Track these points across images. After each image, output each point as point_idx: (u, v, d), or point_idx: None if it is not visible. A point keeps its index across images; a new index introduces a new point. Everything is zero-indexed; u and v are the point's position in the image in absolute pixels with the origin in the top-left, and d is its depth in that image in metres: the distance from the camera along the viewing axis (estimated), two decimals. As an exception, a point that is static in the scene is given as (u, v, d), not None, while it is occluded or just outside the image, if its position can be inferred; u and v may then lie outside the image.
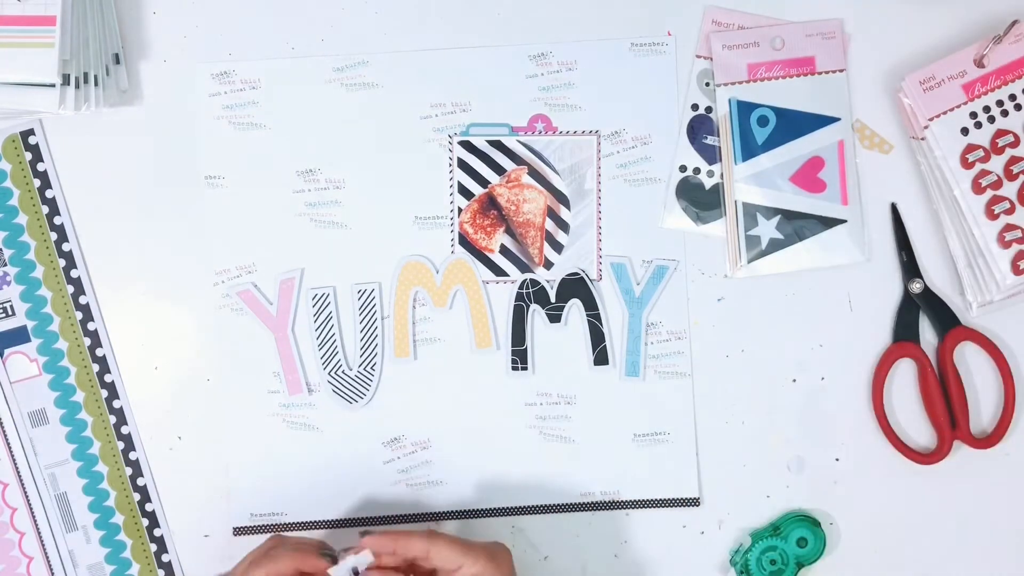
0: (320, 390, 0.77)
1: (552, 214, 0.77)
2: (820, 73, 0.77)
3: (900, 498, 0.78)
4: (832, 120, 0.77)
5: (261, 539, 0.76)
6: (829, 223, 0.76)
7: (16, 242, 0.77)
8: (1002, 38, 0.74)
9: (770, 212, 0.76)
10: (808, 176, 0.76)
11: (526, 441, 0.77)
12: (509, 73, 0.77)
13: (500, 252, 0.78)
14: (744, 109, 0.76)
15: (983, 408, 0.78)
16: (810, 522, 0.76)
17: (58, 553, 0.78)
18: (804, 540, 0.76)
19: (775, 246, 0.76)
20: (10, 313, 0.77)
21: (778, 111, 0.76)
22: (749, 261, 0.76)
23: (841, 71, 0.77)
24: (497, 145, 0.77)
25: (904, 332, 0.77)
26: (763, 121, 0.76)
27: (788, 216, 0.76)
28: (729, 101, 0.76)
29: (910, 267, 0.77)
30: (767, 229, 0.76)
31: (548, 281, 0.77)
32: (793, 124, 0.76)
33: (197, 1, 0.78)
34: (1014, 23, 0.74)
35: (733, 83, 0.77)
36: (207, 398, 0.78)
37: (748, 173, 0.76)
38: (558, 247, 0.77)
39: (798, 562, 0.76)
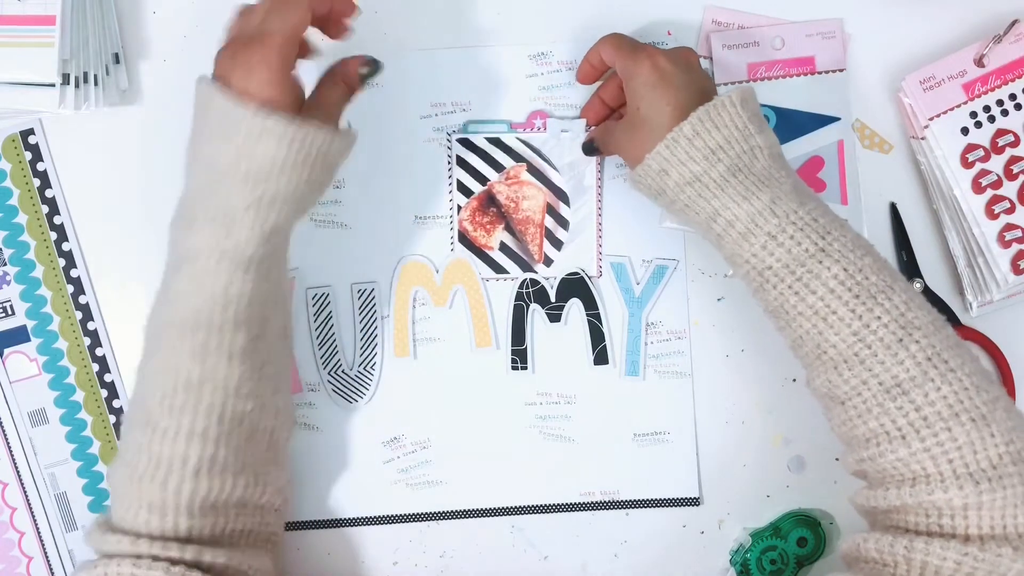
0: (319, 390, 0.77)
1: (552, 211, 0.77)
2: (820, 73, 0.77)
3: (900, 498, 0.78)
4: (832, 120, 0.77)
5: (261, 539, 0.77)
6: None
7: (16, 242, 0.77)
8: (1002, 38, 0.74)
9: None
10: (808, 176, 0.76)
11: (526, 441, 0.77)
12: (509, 73, 0.77)
13: (500, 249, 0.78)
14: None
15: (983, 408, 0.78)
16: (810, 522, 0.76)
17: (58, 553, 0.78)
18: (804, 540, 0.76)
19: None
20: (10, 313, 0.77)
21: (778, 111, 0.76)
22: None
23: (841, 71, 0.77)
24: (496, 142, 0.77)
25: (904, 332, 0.77)
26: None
27: None
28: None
29: (910, 267, 0.77)
30: None
31: (548, 279, 0.77)
32: (793, 124, 0.76)
33: (197, 1, 0.78)
34: (1014, 22, 0.74)
35: (733, 83, 0.76)
36: (207, 398, 0.77)
37: None
38: (558, 244, 0.77)
39: (798, 562, 0.76)
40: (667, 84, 0.66)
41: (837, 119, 0.77)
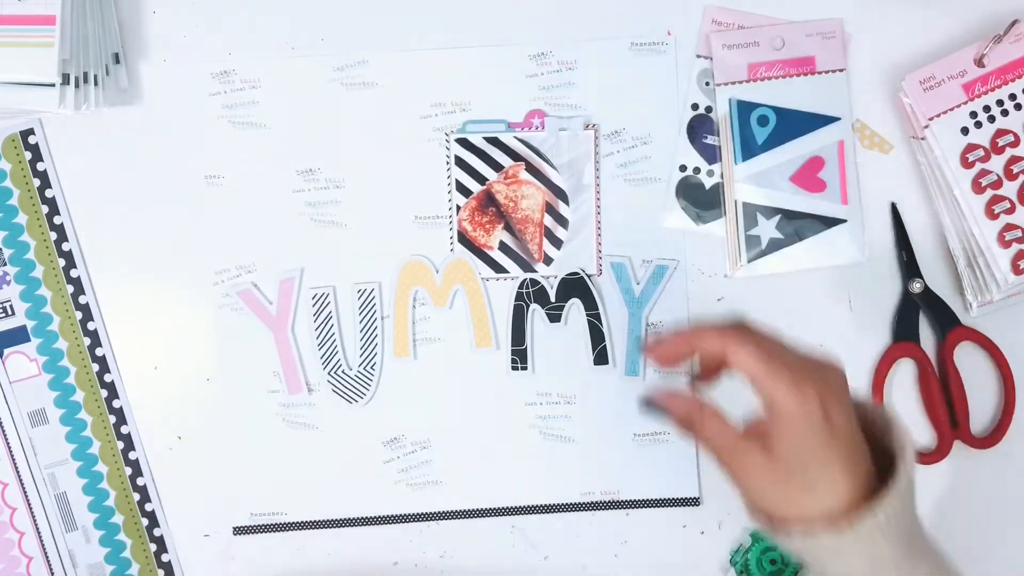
0: (320, 390, 0.77)
1: (551, 209, 0.77)
2: (820, 73, 0.77)
3: (900, 498, 0.78)
4: (832, 120, 0.77)
5: (261, 538, 0.77)
6: (829, 223, 0.76)
7: (16, 242, 0.77)
8: (1002, 38, 0.74)
9: (770, 212, 0.76)
10: (808, 176, 0.76)
11: (526, 441, 0.77)
12: (509, 73, 0.77)
13: (499, 249, 0.78)
14: (744, 109, 0.76)
15: (983, 408, 0.78)
16: None
17: (58, 553, 0.78)
18: None
19: (775, 246, 0.76)
20: (10, 313, 0.77)
21: (778, 111, 0.76)
22: (749, 261, 0.76)
23: (841, 71, 0.77)
24: (494, 142, 0.77)
25: (904, 332, 0.77)
26: (763, 121, 0.76)
27: (788, 216, 0.76)
28: (729, 101, 0.76)
29: (910, 267, 0.77)
30: (767, 229, 0.76)
31: (548, 278, 0.77)
32: (793, 124, 0.76)
33: (197, 1, 0.78)
34: (1014, 23, 0.74)
35: (733, 83, 0.77)
36: (207, 398, 0.78)
37: (748, 173, 0.76)
38: (557, 243, 0.77)
39: (798, 563, 0.76)
40: (840, 443, 0.53)
41: (837, 119, 0.77)
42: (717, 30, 0.77)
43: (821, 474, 0.53)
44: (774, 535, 0.56)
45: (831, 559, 0.54)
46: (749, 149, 0.76)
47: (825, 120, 0.77)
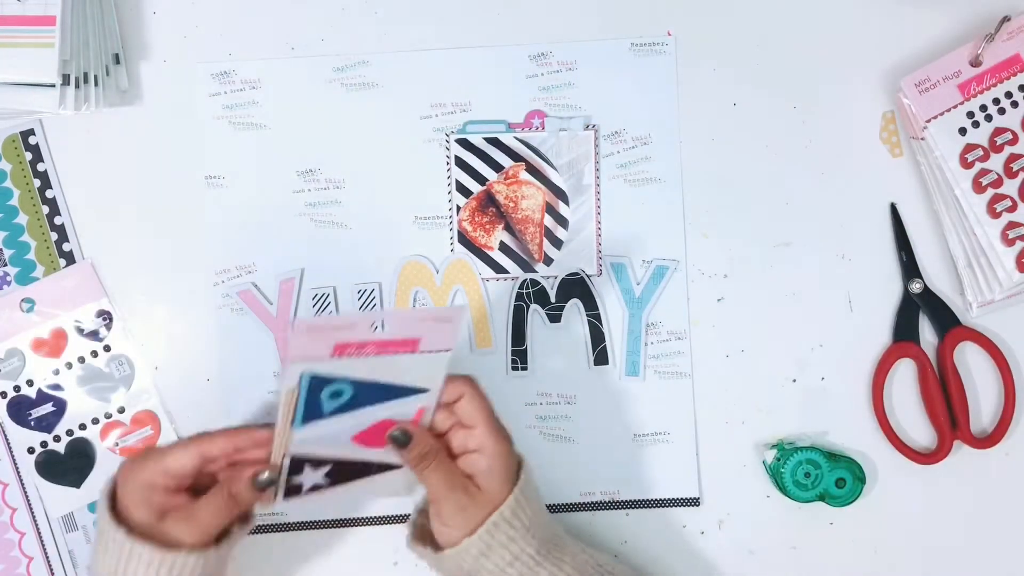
0: (320, 390, 0.77)
1: (551, 210, 0.77)
2: (421, 352, 0.63)
3: (900, 498, 0.78)
4: (418, 391, 0.65)
5: (260, 539, 0.77)
6: (384, 469, 0.68)
7: (16, 242, 0.77)
8: (994, 36, 0.74)
9: (321, 463, 0.65)
10: (375, 434, 0.65)
11: (526, 441, 0.77)
12: (509, 73, 0.78)
13: (499, 249, 0.78)
14: (317, 384, 0.61)
15: (983, 408, 0.78)
16: (857, 470, 0.76)
17: (58, 553, 0.77)
18: (843, 481, 0.75)
19: (316, 488, 0.67)
20: (10, 313, 0.77)
21: (356, 384, 0.62)
22: (284, 498, 0.66)
23: (447, 351, 0.64)
24: (494, 142, 0.77)
25: (904, 332, 0.77)
26: (336, 394, 0.62)
27: (340, 465, 0.66)
28: (300, 376, 0.59)
29: (910, 267, 0.77)
30: (313, 477, 0.66)
31: (547, 278, 0.77)
32: (372, 394, 0.63)
33: (197, 1, 0.78)
34: (1004, 20, 0.74)
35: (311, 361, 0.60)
36: (207, 398, 0.77)
37: (307, 436, 0.63)
38: (557, 243, 0.77)
39: (822, 495, 0.76)
40: (511, 478, 0.67)
41: (424, 391, 0.65)
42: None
43: (498, 496, 0.65)
44: (436, 561, 0.67)
45: (482, 563, 0.65)
46: (313, 416, 0.62)
47: (409, 392, 0.65)
